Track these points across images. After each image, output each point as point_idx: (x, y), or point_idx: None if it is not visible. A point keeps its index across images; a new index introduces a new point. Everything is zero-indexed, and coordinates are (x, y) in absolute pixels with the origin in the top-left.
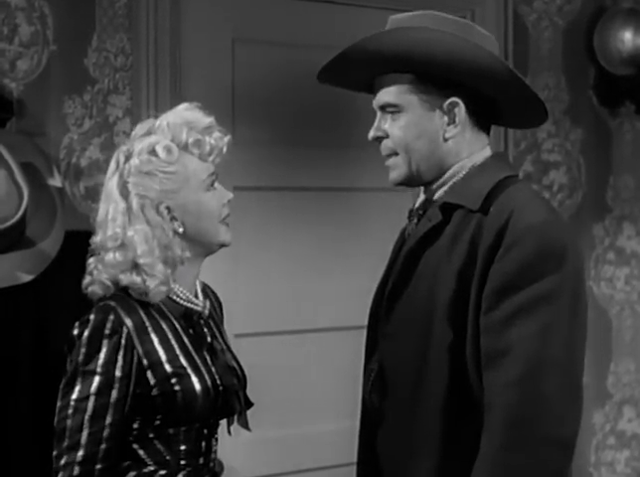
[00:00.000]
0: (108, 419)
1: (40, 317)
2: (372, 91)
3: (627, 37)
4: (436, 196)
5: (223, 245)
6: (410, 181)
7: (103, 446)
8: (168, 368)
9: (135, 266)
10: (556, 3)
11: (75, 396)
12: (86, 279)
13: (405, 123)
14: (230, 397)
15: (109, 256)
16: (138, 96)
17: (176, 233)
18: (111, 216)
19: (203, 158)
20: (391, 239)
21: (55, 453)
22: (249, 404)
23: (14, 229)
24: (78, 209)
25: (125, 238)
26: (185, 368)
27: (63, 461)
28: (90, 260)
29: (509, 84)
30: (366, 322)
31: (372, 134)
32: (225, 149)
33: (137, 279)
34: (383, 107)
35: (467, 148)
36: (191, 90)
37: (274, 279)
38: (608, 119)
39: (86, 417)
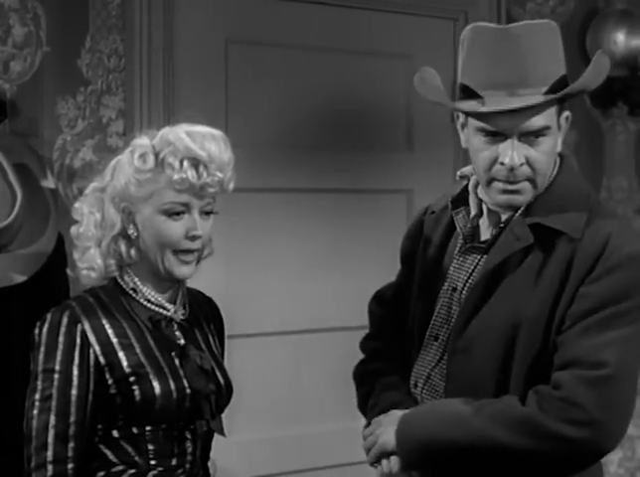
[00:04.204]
0: (72, 417)
1: (33, 318)
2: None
3: (620, 38)
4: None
5: (175, 277)
6: None
7: (72, 444)
8: (126, 368)
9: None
10: (548, 5)
11: (38, 395)
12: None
13: (549, 147)
14: (198, 401)
15: (74, 229)
16: (131, 98)
17: (128, 233)
18: (90, 190)
19: (170, 184)
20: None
21: (25, 456)
22: (220, 411)
23: (7, 230)
24: (71, 210)
25: (83, 215)
26: (145, 367)
27: (33, 463)
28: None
29: None
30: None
31: (516, 162)
32: (206, 189)
33: (76, 256)
34: (534, 132)
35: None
36: (184, 91)
37: (269, 280)
38: (601, 121)
39: (51, 416)
